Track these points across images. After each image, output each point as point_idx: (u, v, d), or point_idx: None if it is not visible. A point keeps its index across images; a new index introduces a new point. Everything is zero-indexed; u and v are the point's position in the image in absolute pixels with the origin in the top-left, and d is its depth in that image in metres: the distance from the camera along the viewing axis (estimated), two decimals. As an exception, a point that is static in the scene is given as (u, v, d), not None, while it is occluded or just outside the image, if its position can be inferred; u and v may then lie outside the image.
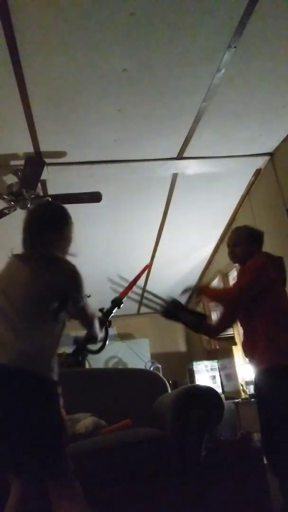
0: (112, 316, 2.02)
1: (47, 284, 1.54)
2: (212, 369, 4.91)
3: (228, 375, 4.74)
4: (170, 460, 1.99)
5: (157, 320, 7.42)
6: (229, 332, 4.20)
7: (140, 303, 2.32)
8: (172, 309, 2.32)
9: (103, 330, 1.95)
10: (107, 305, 2.05)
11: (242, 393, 4.22)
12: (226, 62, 2.41)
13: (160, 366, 5.34)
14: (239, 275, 2.34)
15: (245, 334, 2.24)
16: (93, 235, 4.27)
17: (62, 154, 3.07)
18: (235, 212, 4.24)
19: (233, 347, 4.57)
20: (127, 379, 2.75)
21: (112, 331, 6.13)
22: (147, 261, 4.98)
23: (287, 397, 1.96)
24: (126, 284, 2.16)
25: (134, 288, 2.21)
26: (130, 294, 2.18)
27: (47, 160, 3.00)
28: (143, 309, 6.35)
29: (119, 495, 1.87)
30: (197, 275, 5.62)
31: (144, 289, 2.49)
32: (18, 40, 2.14)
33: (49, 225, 1.67)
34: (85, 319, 1.70)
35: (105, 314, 2.02)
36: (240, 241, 2.33)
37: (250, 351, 2.17)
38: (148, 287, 5.70)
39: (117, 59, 2.32)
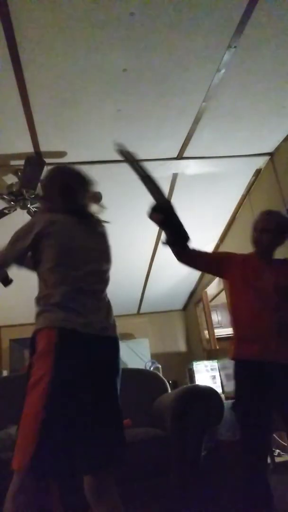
0: None
1: None
2: (212, 369, 4.89)
3: (228, 375, 4.72)
4: (170, 460, 1.99)
5: (157, 320, 7.37)
6: (229, 332, 4.19)
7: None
8: (166, 209, 2.03)
9: None
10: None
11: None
12: (226, 62, 2.41)
13: (160, 366, 5.34)
14: None
15: None
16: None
17: (62, 154, 3.07)
18: (235, 212, 4.24)
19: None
20: (127, 379, 2.74)
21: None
22: (147, 261, 4.98)
23: None
24: None
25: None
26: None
27: (47, 160, 3.00)
28: (143, 309, 6.35)
29: (119, 495, 1.87)
30: (197, 275, 5.62)
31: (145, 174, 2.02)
32: (18, 40, 2.14)
33: None
34: None
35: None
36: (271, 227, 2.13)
37: None
38: (148, 287, 5.69)
39: (117, 59, 2.32)
